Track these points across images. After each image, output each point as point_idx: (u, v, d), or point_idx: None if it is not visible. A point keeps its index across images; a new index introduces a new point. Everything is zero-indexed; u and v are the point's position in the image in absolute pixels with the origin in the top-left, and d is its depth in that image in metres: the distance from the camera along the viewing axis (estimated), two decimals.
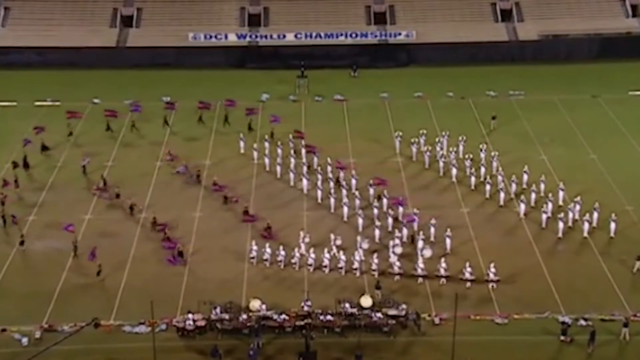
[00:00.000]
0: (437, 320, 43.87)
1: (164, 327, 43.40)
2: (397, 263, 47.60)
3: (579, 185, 56.99)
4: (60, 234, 51.28)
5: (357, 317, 43.02)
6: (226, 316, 43.19)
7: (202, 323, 43.07)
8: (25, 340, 42.33)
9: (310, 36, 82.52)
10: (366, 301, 43.41)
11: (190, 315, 43.16)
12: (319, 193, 55.63)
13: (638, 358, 41.73)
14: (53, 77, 77.62)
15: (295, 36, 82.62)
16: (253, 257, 48.53)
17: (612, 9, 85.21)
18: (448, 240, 49.97)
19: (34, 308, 44.74)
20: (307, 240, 48.97)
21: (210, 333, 42.95)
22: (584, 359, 41.61)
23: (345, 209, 53.43)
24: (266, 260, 48.30)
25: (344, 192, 55.27)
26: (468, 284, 46.46)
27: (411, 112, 69.47)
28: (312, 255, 47.93)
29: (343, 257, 47.78)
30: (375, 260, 47.60)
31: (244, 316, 43.09)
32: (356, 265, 47.63)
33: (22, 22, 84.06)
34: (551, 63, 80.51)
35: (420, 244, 49.07)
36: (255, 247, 48.50)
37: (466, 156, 59.57)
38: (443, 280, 46.78)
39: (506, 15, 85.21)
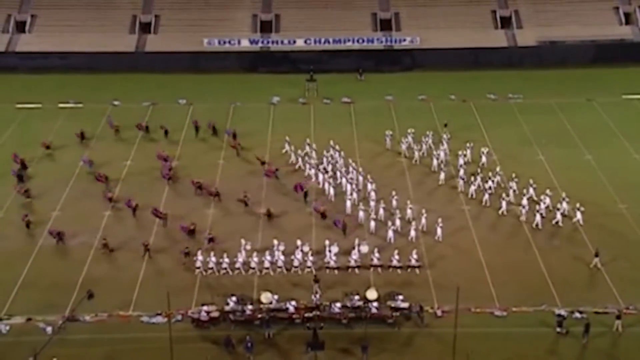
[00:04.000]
0: (439, 313, 43.81)
1: (179, 318, 43.45)
2: (333, 257, 47.64)
3: (575, 184, 56.85)
4: (83, 229, 51.39)
5: (364, 309, 43.02)
6: (240, 307, 43.19)
7: (215, 314, 43.11)
8: (49, 329, 42.46)
9: (319, 42, 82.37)
10: (372, 294, 43.44)
11: (205, 307, 43.21)
12: (332, 191, 55.78)
13: (630, 349, 41.59)
14: (76, 80, 77.62)
15: (305, 42, 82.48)
16: (199, 267, 47.41)
17: (607, 17, 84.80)
18: (439, 230, 50.22)
19: (57, 299, 44.84)
20: (305, 248, 48.18)
21: (224, 324, 42.98)
22: (579, 349, 41.54)
23: (348, 203, 53.70)
24: (211, 268, 47.31)
25: (349, 187, 55.24)
26: (398, 270, 47.14)
27: (415, 114, 69.23)
28: (282, 257, 47.66)
29: (282, 258, 47.63)
30: (311, 258, 47.55)
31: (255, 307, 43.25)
32: (296, 263, 47.56)
33: (47, 28, 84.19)
34: (548, 68, 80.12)
35: (356, 241, 48.89)
36: (200, 257, 47.53)
37: (460, 152, 59.55)
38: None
39: (506, 22, 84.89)
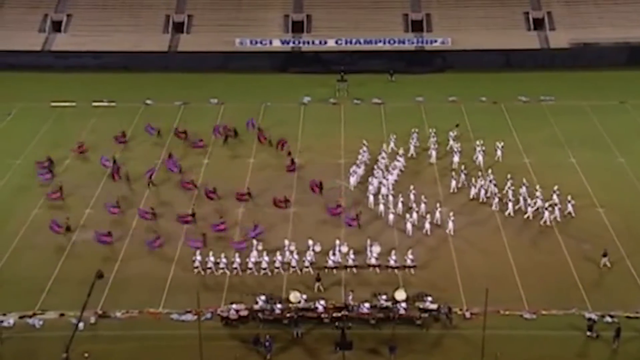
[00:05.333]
0: (467, 315, 43.58)
1: (209, 316, 43.69)
2: (332, 257, 47.57)
3: (607, 187, 56.35)
4: (115, 228, 51.89)
5: (392, 309, 42.96)
6: (269, 306, 43.32)
7: (244, 313, 43.28)
8: (81, 324, 42.80)
9: (351, 42, 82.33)
10: (400, 295, 43.37)
11: (235, 305, 43.41)
12: (352, 179, 56.73)
13: None
14: (109, 80, 78.38)
15: (336, 42, 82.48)
16: (197, 267, 47.47)
17: None
18: (451, 224, 50.67)
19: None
20: (317, 248, 48.20)
21: (253, 322, 43.11)
22: (609, 354, 41.09)
23: (371, 198, 54.36)
24: (209, 268, 47.33)
25: (376, 181, 56.01)
26: (393, 269, 47.20)
27: (445, 116, 68.83)
28: (279, 258, 47.64)
29: (279, 258, 47.56)
30: (309, 258, 47.59)
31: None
32: (294, 263, 47.54)
33: (82, 28, 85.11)
34: (581, 70, 79.31)
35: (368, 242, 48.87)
36: (199, 257, 47.54)
37: (479, 148, 59.68)
38: (376, 269, 47.38)
39: (538, 24, 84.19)
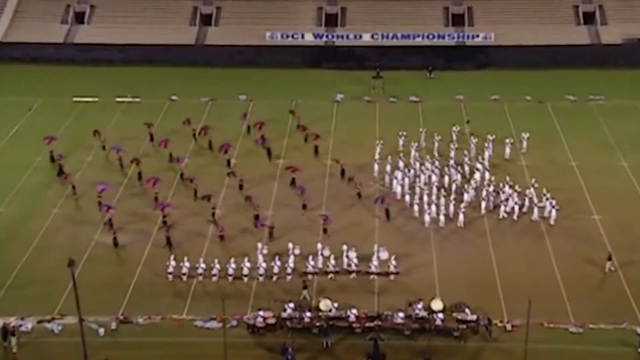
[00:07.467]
0: (508, 327, 43.18)
1: (234, 323, 43.77)
2: (312, 262, 47.72)
3: None
4: (135, 228, 52.26)
5: (428, 320, 42.75)
6: (297, 314, 43.31)
7: (272, 321, 43.30)
8: (102, 330, 43.26)
9: (387, 37, 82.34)
10: (437, 305, 43.10)
11: (262, 312, 43.46)
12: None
13: None
14: (134, 74, 79.08)
15: (372, 37, 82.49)
16: (170, 273, 47.39)
17: None
18: (461, 216, 52.03)
19: (110, 300, 45.63)
20: (326, 252, 48.36)
21: (280, 331, 43.13)
22: None
23: (398, 189, 55.88)
24: (184, 274, 47.28)
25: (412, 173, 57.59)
26: (372, 276, 47.34)
27: (487, 115, 68.45)
28: (263, 265, 47.65)
29: (263, 265, 47.56)
30: (292, 265, 47.78)
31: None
32: (276, 270, 47.50)
33: (106, 20, 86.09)
34: (634, 67, 78.36)
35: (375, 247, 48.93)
36: (173, 262, 47.52)
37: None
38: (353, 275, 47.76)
39: (589, 18, 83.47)
